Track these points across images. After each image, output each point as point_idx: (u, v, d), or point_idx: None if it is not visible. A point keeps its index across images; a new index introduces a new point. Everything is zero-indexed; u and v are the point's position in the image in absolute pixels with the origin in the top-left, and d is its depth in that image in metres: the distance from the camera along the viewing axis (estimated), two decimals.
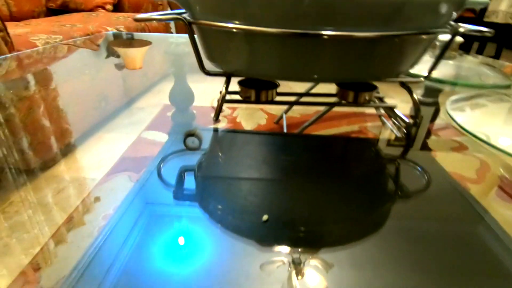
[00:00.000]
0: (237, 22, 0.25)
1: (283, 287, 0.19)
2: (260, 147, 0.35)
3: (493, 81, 0.59)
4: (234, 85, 0.36)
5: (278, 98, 0.36)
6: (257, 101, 0.35)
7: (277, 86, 0.36)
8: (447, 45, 0.31)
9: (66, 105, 0.59)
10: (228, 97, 0.36)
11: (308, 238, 0.22)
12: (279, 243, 0.22)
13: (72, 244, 0.22)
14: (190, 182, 0.29)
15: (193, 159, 0.32)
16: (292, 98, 0.44)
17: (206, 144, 0.36)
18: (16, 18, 1.49)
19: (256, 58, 0.28)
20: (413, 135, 0.37)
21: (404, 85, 0.35)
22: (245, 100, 0.36)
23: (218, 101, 0.35)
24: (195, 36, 0.31)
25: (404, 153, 0.33)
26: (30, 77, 0.71)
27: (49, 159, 0.35)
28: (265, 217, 0.24)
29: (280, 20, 0.24)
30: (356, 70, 0.28)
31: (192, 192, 0.27)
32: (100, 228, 0.23)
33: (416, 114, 0.34)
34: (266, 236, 0.22)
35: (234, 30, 0.25)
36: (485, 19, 1.93)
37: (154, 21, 0.28)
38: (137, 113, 0.49)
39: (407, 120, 0.36)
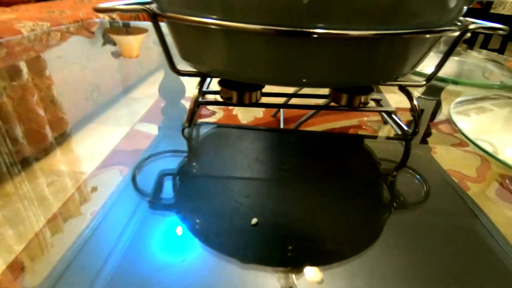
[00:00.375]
0: (213, 17, 0.21)
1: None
2: (253, 143, 0.34)
3: (500, 79, 0.58)
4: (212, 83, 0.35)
5: (264, 100, 0.34)
6: (240, 103, 0.32)
7: (262, 86, 0.34)
8: (454, 45, 0.28)
9: (58, 95, 0.58)
10: (212, 97, 0.34)
11: (301, 243, 0.22)
12: (269, 247, 0.21)
13: (57, 241, 0.21)
14: (179, 180, 0.28)
15: (182, 156, 0.31)
16: (279, 99, 0.42)
17: (198, 139, 0.35)
18: (5, 3, 1.45)
19: (235, 58, 0.24)
20: (412, 134, 0.34)
21: (403, 89, 0.33)
22: (225, 102, 0.33)
23: (190, 104, 0.32)
24: (167, 29, 0.28)
25: (402, 163, 0.32)
26: (21, 65, 0.69)
27: (38, 152, 0.35)
28: (254, 220, 0.23)
29: (263, 16, 0.20)
30: (350, 74, 0.25)
31: (180, 191, 0.27)
32: (87, 225, 0.22)
33: (416, 123, 0.32)
34: (254, 240, 0.22)
35: (209, 26, 0.21)
36: (492, 11, 1.89)
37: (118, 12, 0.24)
38: (131, 103, 0.49)
39: (406, 128, 0.34)
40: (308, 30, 0.20)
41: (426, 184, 0.29)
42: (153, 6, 0.25)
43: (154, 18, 0.25)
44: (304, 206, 0.25)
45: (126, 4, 0.25)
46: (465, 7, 0.25)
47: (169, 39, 0.28)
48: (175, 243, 0.21)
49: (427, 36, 0.24)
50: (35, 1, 1.64)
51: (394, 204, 0.26)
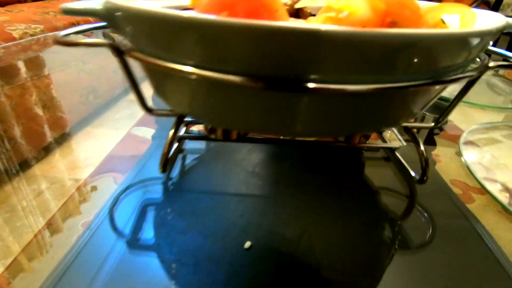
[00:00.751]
0: (190, 62, 0.17)
1: None
2: (248, 156, 0.32)
3: (510, 99, 0.56)
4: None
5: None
6: (226, 138, 0.30)
7: None
8: (467, 87, 0.23)
9: (51, 99, 0.57)
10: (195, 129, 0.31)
11: (296, 272, 0.20)
12: (263, 276, 0.20)
13: (47, 254, 0.21)
14: (170, 197, 0.27)
15: (173, 171, 0.30)
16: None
17: (189, 150, 0.33)
18: (1, 2, 1.42)
19: (213, 107, 0.21)
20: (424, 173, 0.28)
21: (408, 131, 0.30)
22: (208, 137, 0.30)
23: (164, 147, 0.28)
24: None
25: (407, 211, 0.27)
26: (19, 65, 0.69)
27: (35, 154, 0.34)
28: (247, 244, 0.22)
29: (245, 64, 0.16)
30: (347, 125, 0.21)
31: (171, 209, 0.25)
32: (78, 236, 0.22)
33: (423, 170, 0.28)
34: (247, 267, 0.20)
35: (182, 72, 0.17)
36: (499, 13, 1.87)
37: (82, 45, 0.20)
38: (129, 106, 0.48)
39: (413, 174, 0.30)
40: (298, 83, 0.16)
41: (427, 202, 0.28)
42: (120, 40, 0.21)
43: (120, 55, 0.21)
44: (301, 227, 0.24)
45: (88, 29, 0.22)
46: (491, 43, 0.19)
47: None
48: (163, 266, 0.20)
49: (437, 86, 0.19)
50: (32, 0, 1.61)
51: (393, 225, 0.25)
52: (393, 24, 0.16)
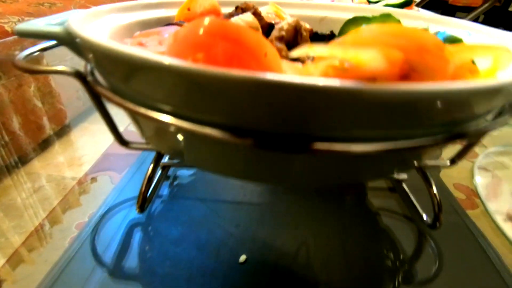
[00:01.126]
0: (164, 107, 0.14)
1: None
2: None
3: None
4: None
5: None
6: None
7: None
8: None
9: (50, 91, 0.57)
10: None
11: (296, 286, 0.20)
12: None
13: (40, 257, 0.20)
14: (163, 203, 0.26)
15: (169, 176, 0.29)
16: None
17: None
18: None
19: (194, 153, 0.18)
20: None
21: (420, 170, 0.26)
22: (192, 166, 0.28)
23: (142, 185, 0.24)
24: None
25: (409, 231, 0.26)
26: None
27: (29, 151, 0.34)
28: (242, 257, 0.21)
29: (228, 117, 0.14)
30: (351, 176, 0.19)
31: (165, 216, 0.25)
32: (72, 238, 0.22)
33: (436, 216, 0.25)
34: (241, 283, 0.20)
35: (155, 120, 0.15)
36: (511, 9, 1.83)
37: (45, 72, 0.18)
38: None
39: (424, 217, 0.26)
40: (294, 143, 0.13)
41: (429, 213, 0.26)
42: (89, 70, 0.18)
43: (87, 86, 0.18)
44: (299, 238, 0.23)
45: (54, 44, 0.19)
46: None
47: None
48: (154, 281, 0.20)
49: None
50: None
51: (393, 240, 0.24)
52: (412, 72, 0.13)
